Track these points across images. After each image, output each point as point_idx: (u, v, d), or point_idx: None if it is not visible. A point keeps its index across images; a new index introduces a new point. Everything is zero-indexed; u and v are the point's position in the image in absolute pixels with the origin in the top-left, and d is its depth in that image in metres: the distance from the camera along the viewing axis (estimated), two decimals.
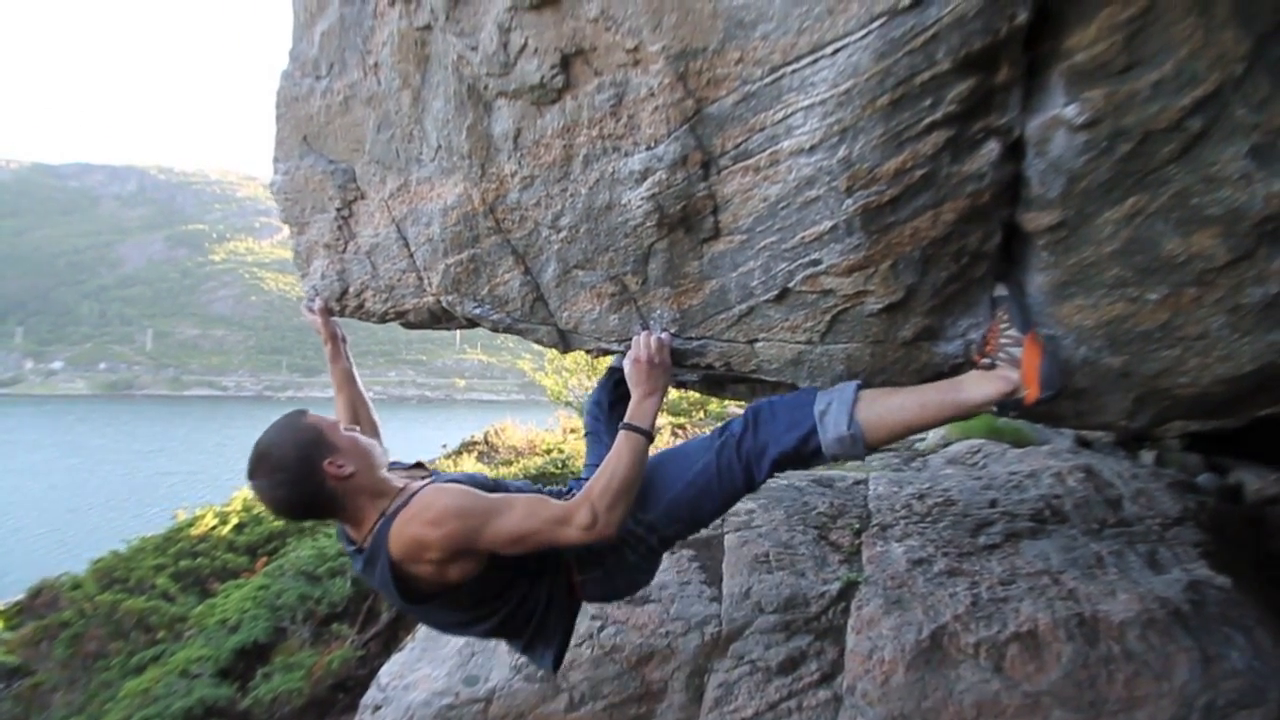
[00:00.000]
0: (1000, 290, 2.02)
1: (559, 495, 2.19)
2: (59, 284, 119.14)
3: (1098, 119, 1.65)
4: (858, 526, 4.19)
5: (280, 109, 2.75)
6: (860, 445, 2.11)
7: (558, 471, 7.27)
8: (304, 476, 1.99)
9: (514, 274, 2.46)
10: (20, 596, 7.07)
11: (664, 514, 2.26)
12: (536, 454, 8.78)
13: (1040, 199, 1.80)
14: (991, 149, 1.75)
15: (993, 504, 4.22)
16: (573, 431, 10.21)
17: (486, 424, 11.20)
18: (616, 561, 2.27)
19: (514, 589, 2.17)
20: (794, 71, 1.74)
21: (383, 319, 3.01)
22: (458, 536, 1.91)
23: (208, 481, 34.68)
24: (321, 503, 2.04)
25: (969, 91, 1.66)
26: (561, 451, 8.52)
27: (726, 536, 4.11)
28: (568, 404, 12.59)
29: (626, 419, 2.16)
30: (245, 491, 8.35)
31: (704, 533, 4.20)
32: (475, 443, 9.96)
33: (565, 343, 2.62)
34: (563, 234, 2.26)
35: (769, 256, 2.03)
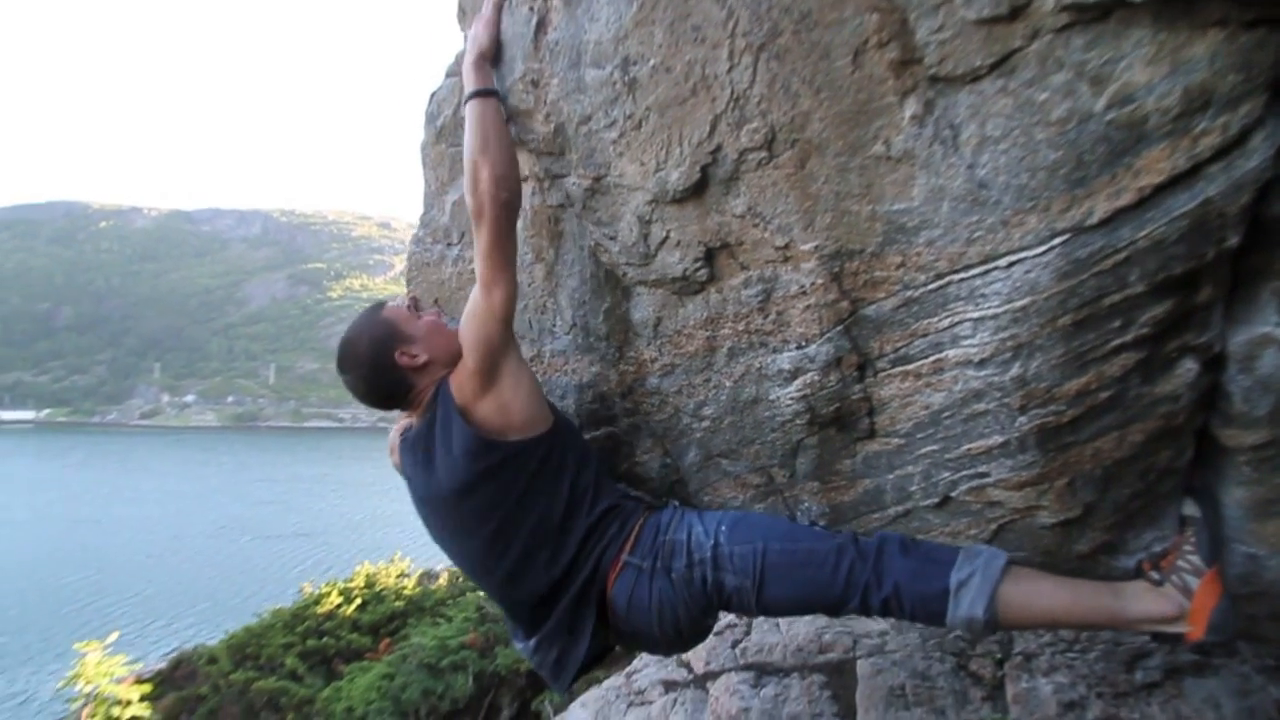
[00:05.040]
0: (1190, 509, 1.82)
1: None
2: (191, 322, 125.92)
3: None
4: (999, 655, 3.92)
5: (412, 273, 2.75)
6: (990, 632, 1.91)
7: None
8: (379, 369, 2.13)
9: (653, 455, 2.37)
10: (162, 665, 7.40)
11: (739, 553, 2.00)
12: None
13: (1244, 416, 1.61)
14: (1189, 369, 1.57)
15: None
16: None
17: None
18: (663, 561, 2.05)
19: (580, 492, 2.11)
20: (962, 280, 1.61)
21: None
22: (478, 332, 2.00)
23: (299, 509, 36.19)
24: (399, 392, 2.16)
25: (1165, 314, 1.50)
26: None
27: (859, 662, 3.91)
28: None
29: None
30: (368, 566, 8.57)
31: (835, 656, 4.01)
32: None
33: None
34: (705, 423, 2.17)
35: (930, 464, 1.89)
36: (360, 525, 31.75)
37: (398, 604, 7.70)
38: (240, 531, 31.83)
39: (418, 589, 8.15)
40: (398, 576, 8.46)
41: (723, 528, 2.05)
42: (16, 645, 18.48)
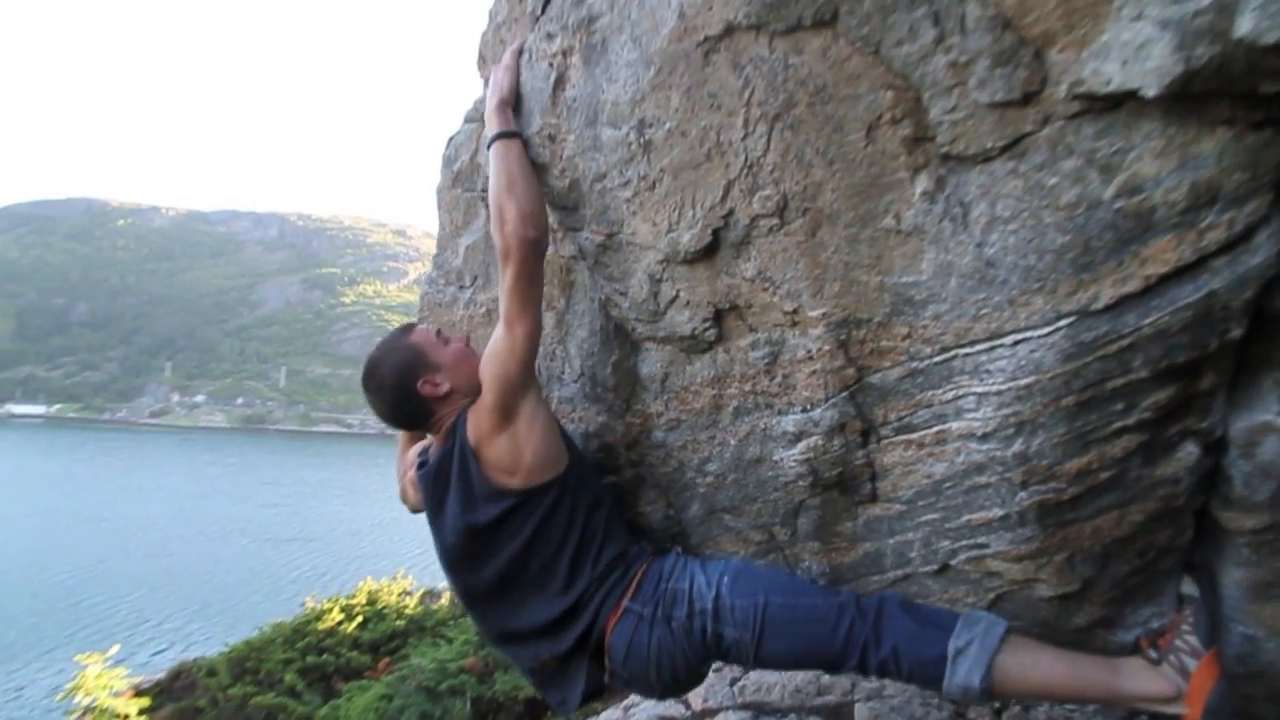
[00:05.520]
0: (1189, 588, 1.82)
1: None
2: (204, 323, 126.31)
3: None
4: (997, 705, 3.91)
5: (424, 313, 2.78)
6: (986, 701, 1.91)
7: None
8: (401, 395, 2.15)
9: (656, 506, 2.38)
10: (160, 676, 7.40)
11: (740, 605, 1.99)
12: None
13: (1244, 500, 1.61)
14: (1190, 452, 1.58)
15: None
16: None
17: None
18: (664, 609, 2.03)
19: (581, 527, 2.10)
20: (967, 355, 1.62)
21: None
22: (497, 370, 2.01)
23: (302, 514, 36.47)
24: (420, 418, 2.20)
25: (1167, 399, 1.51)
26: None
27: (857, 706, 3.89)
28: None
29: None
30: (370, 583, 8.56)
31: (833, 699, 3.99)
32: None
33: None
34: (709, 479, 2.18)
35: (930, 532, 1.89)
36: (362, 532, 31.75)
37: (399, 623, 7.70)
38: (242, 534, 31.89)
39: (419, 608, 8.13)
40: (400, 594, 8.44)
41: (725, 579, 2.04)
42: (7, 641, 18.46)
